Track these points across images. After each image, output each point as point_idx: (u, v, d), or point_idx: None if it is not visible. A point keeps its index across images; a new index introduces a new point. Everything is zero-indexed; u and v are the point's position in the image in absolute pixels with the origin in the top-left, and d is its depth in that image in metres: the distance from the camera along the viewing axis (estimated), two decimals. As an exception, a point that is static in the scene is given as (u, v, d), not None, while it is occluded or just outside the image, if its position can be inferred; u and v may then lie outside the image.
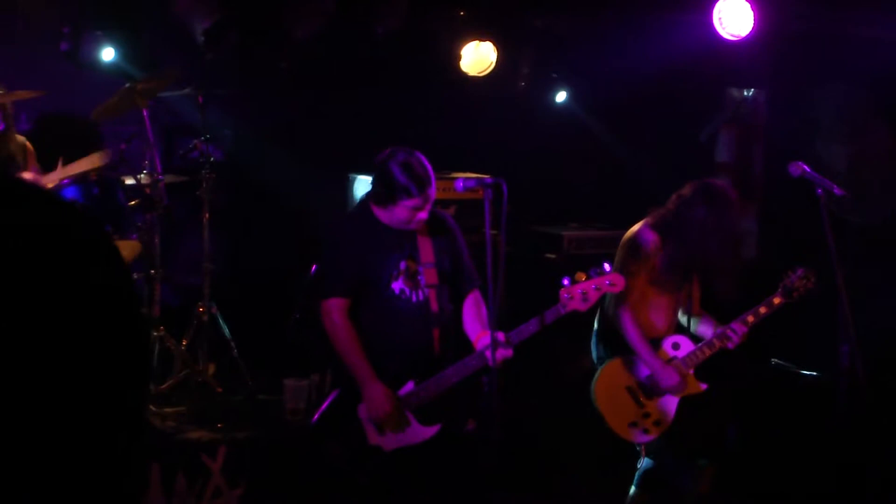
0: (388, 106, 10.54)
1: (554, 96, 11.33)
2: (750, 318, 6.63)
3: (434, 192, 6.12)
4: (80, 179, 8.14)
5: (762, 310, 6.63)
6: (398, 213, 6.10)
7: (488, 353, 5.88)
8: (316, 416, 6.28)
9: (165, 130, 10.39)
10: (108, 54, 9.72)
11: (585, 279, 6.03)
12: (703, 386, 6.70)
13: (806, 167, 6.47)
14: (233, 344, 9.18)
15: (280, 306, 9.34)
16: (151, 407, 8.51)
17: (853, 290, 6.46)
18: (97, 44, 9.72)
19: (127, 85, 8.67)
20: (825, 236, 6.35)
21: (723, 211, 6.61)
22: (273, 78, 10.54)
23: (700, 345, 6.70)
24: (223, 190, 9.63)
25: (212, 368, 9.23)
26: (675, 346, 6.72)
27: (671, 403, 6.69)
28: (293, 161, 10.65)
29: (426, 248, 6.25)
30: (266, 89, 10.69)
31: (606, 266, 6.03)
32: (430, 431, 6.12)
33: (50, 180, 7.99)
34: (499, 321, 5.94)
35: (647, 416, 6.70)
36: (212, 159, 9.30)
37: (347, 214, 6.39)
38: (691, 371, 6.67)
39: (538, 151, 11.04)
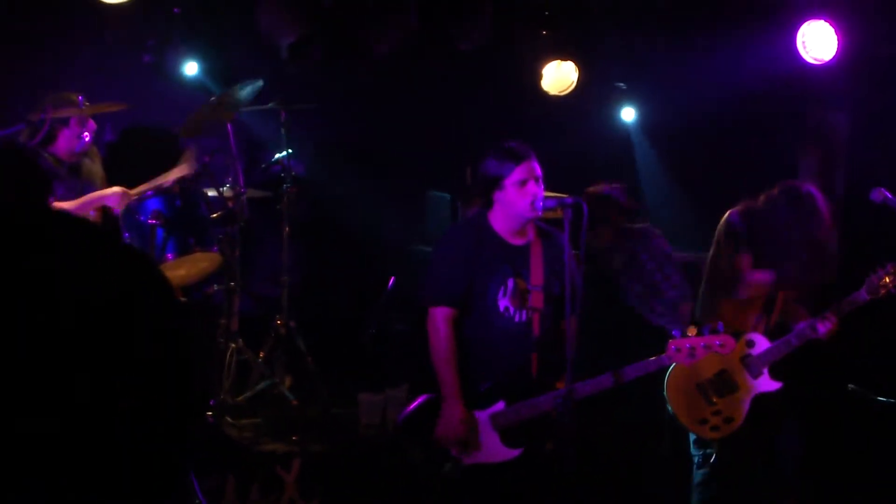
0: (468, 123, 10.57)
1: (625, 114, 11.29)
2: (832, 315, 6.55)
3: (538, 166, 6.07)
4: (163, 191, 8.23)
5: (845, 307, 6.55)
6: (508, 198, 6.04)
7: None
8: (403, 416, 6.26)
9: (248, 145, 10.47)
10: (191, 68, 9.83)
11: (696, 335, 5.88)
12: (776, 385, 6.64)
13: (888, 193, 6.44)
14: (309, 357, 9.23)
15: (356, 320, 9.39)
16: (228, 418, 8.59)
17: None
18: (181, 57, 9.84)
19: (212, 99, 8.76)
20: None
21: (806, 215, 6.57)
22: (355, 93, 10.60)
23: (777, 342, 6.64)
24: (303, 204, 9.70)
25: (288, 381, 9.28)
26: (750, 343, 6.67)
27: (744, 402, 6.64)
28: (372, 176, 10.72)
29: (537, 270, 6.18)
30: (348, 105, 10.74)
31: (720, 325, 5.92)
32: (513, 454, 6.08)
33: (137, 191, 8.09)
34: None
35: (717, 413, 6.66)
36: (293, 174, 9.38)
37: (463, 222, 6.36)
38: (765, 369, 6.62)
39: (618, 171, 11.02)
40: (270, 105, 9.41)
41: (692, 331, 5.91)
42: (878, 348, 7.88)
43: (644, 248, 8.74)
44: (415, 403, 6.25)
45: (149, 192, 8.14)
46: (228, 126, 8.86)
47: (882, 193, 6.45)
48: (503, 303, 6.11)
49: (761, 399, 6.67)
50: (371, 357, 9.21)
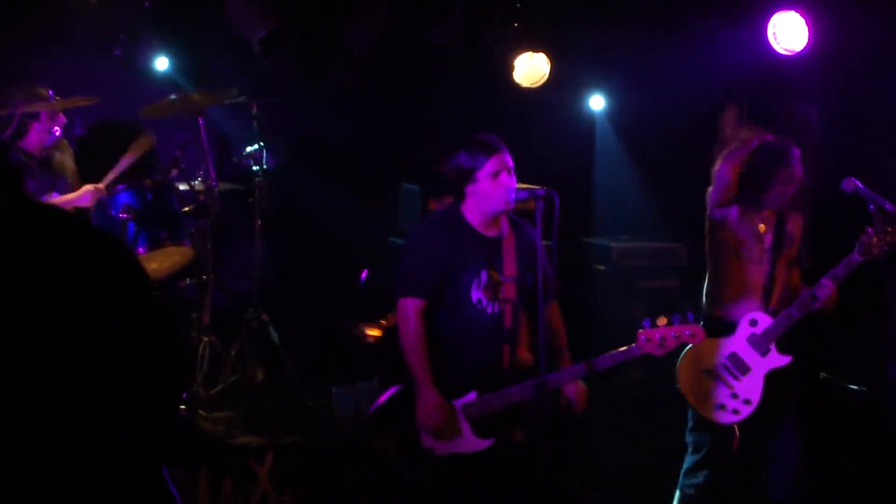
0: (440, 116, 10.57)
1: (594, 102, 11.26)
2: (828, 281, 6.57)
3: (510, 158, 6.09)
4: (134, 185, 8.20)
5: (841, 272, 6.55)
6: (482, 190, 6.06)
7: (568, 391, 5.91)
8: (373, 408, 6.26)
9: (220, 138, 10.44)
10: (161, 63, 9.78)
11: (666, 324, 5.95)
12: (787, 359, 6.67)
13: (859, 183, 6.45)
14: (282, 350, 9.22)
15: (330, 314, 9.37)
16: (201, 411, 8.57)
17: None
18: (151, 51, 9.78)
19: (172, 97, 8.72)
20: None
21: (785, 159, 6.63)
22: (326, 87, 10.58)
23: (779, 316, 6.65)
24: (275, 197, 9.68)
25: (261, 374, 9.27)
26: (753, 323, 6.68)
27: (757, 380, 6.66)
28: (345, 169, 10.71)
29: (510, 261, 6.19)
30: (320, 98, 10.72)
31: (690, 315, 5.95)
32: (484, 444, 6.10)
33: (106, 182, 8.08)
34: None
35: (735, 396, 6.67)
36: (265, 167, 9.36)
37: (437, 215, 6.36)
38: (772, 345, 6.64)
39: (589, 163, 11.04)
40: (242, 98, 9.38)
41: (662, 321, 5.96)
42: (847, 336, 7.90)
43: None
44: (385, 395, 6.26)
45: (120, 187, 8.12)
46: (199, 120, 8.83)
47: (853, 183, 6.46)
48: (476, 294, 6.12)
49: (772, 378, 6.66)
50: (344, 350, 9.18)
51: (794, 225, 6.87)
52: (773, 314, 6.69)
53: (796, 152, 6.73)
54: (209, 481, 7.36)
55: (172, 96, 8.73)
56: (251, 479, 7.77)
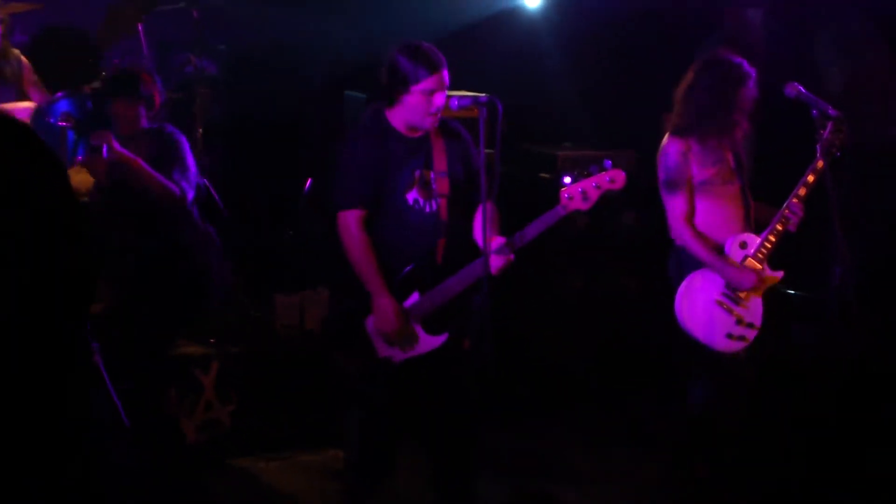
0: (384, 23, 10.48)
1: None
2: (802, 192, 6.49)
3: (447, 76, 6.03)
4: (73, 93, 8.11)
5: (809, 178, 6.52)
6: (412, 103, 5.99)
7: (492, 260, 5.87)
8: (324, 326, 6.24)
9: (160, 45, 10.30)
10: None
11: (586, 177, 5.94)
12: (780, 274, 6.67)
13: (801, 88, 6.43)
14: (225, 260, 9.17)
15: (273, 223, 9.34)
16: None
17: (846, 211, 6.45)
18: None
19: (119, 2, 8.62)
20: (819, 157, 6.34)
21: (732, 71, 6.57)
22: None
23: (763, 234, 6.61)
24: (218, 106, 9.60)
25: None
26: (743, 245, 6.61)
27: (757, 303, 6.66)
28: (288, 77, 10.61)
29: (440, 156, 6.16)
30: (261, 4, 10.60)
31: (607, 163, 5.93)
32: (438, 341, 6.12)
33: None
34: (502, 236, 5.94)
35: (739, 322, 6.66)
36: (206, 75, 9.27)
37: (361, 124, 6.29)
38: (765, 264, 6.64)
39: (533, 70, 10.98)
40: (182, 4, 9.26)
41: (581, 174, 5.95)
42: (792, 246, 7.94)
43: None
44: (330, 314, 6.24)
45: (59, 94, 8.04)
46: (139, 27, 8.72)
47: (795, 88, 6.44)
48: (412, 196, 6.10)
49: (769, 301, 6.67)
50: (288, 259, 9.16)
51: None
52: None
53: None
54: (154, 391, 7.37)
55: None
56: (196, 389, 7.78)
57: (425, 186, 6.11)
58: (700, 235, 6.59)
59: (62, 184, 2.63)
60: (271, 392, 8.09)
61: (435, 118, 6.05)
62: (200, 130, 9.30)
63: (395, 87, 6.01)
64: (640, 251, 9.63)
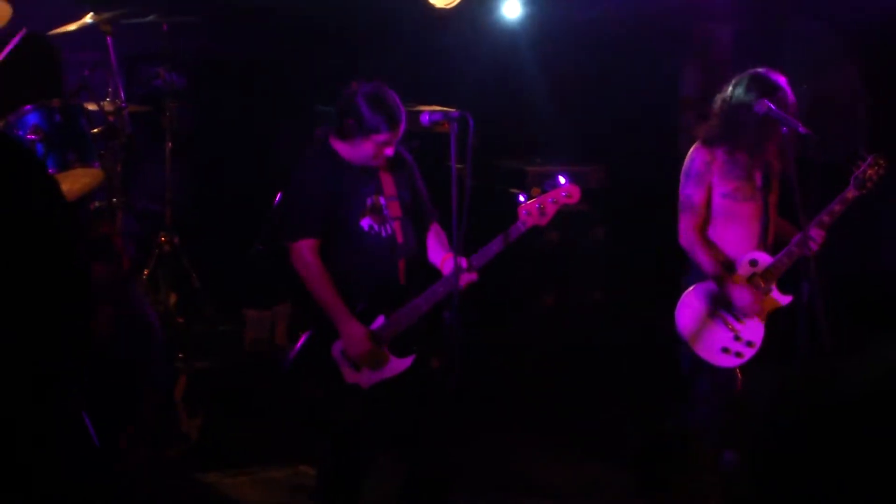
0: (353, 37, 10.47)
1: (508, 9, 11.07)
2: (825, 219, 6.55)
3: (404, 127, 6.11)
4: (42, 106, 8.05)
5: (836, 207, 6.57)
6: (365, 149, 6.09)
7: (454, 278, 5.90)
8: (290, 359, 6.22)
9: (129, 58, 10.25)
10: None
11: (541, 193, 6.10)
12: (787, 299, 6.67)
13: (771, 105, 6.44)
14: (194, 274, 9.15)
15: (242, 237, 9.31)
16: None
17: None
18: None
19: (89, 14, 8.58)
20: (789, 175, 6.35)
21: (778, 95, 6.57)
22: (238, 6, 10.43)
23: (777, 256, 6.64)
24: (187, 119, 9.57)
25: (173, 298, 9.19)
26: (753, 263, 6.63)
27: (759, 323, 6.62)
28: (258, 91, 10.59)
29: (388, 182, 6.25)
30: (231, 18, 10.57)
31: (560, 178, 6.06)
32: (406, 363, 6.15)
33: None
34: (464, 253, 5.96)
35: (737, 338, 6.66)
36: (175, 88, 9.24)
37: (310, 153, 6.32)
38: (773, 285, 6.63)
39: (504, 85, 10.98)
40: (152, 17, 9.22)
41: (536, 191, 6.14)
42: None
43: None
44: (298, 343, 6.22)
45: (27, 107, 7.97)
46: (108, 39, 8.68)
47: (765, 105, 6.45)
48: (366, 222, 6.16)
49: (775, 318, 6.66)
50: (257, 274, 9.13)
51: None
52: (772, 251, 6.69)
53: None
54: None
55: (89, 14, 8.56)
56: (164, 403, 7.74)
57: (378, 212, 6.18)
58: (708, 246, 6.61)
59: (55, 191, 2.63)
60: (240, 406, 8.06)
61: (383, 161, 6.14)
62: (170, 144, 9.27)
63: (351, 128, 6.05)
64: (611, 266, 9.66)
